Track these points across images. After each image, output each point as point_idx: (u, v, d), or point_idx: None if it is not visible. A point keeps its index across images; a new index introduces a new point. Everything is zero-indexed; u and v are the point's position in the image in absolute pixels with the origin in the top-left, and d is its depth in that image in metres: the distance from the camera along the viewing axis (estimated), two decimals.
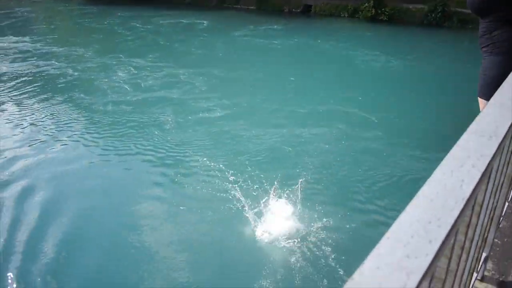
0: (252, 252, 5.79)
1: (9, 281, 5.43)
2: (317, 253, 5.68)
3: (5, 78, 15.27)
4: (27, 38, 21.90)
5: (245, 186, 7.08)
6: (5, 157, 8.66)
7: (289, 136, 9.57)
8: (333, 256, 5.56)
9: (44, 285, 5.33)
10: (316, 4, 27.02)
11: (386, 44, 19.92)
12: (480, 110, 2.29)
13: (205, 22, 25.13)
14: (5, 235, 6.20)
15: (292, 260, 5.58)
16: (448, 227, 0.65)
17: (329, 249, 5.70)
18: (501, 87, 1.29)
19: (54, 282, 5.38)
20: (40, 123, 10.68)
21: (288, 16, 26.85)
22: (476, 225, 0.94)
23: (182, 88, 13.42)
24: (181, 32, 23.20)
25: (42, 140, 9.60)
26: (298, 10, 27.60)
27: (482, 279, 1.68)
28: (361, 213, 6.64)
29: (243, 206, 6.53)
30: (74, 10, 31.42)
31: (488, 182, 0.92)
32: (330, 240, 5.85)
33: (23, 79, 15.03)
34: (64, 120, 10.83)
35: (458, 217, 0.69)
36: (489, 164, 0.85)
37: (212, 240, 6.01)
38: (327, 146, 9.06)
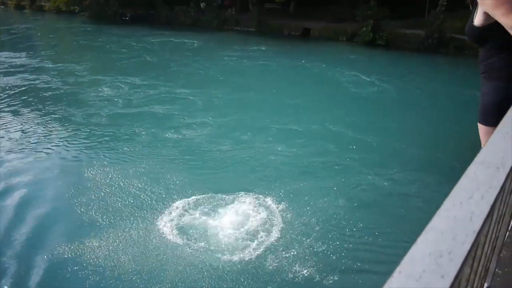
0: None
1: None
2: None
3: None
4: (23, 54, 22.17)
5: (194, 200, 7.44)
6: None
7: (264, 152, 9.73)
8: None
9: None
10: (314, 27, 27.17)
11: (382, 69, 19.91)
12: (480, 136, 2.42)
13: (196, 42, 25.46)
14: None
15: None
16: (460, 261, 0.65)
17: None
18: (506, 115, 1.29)
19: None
20: (20, 133, 11.08)
21: (287, 39, 26.97)
22: (481, 256, 0.94)
23: (166, 105, 13.56)
24: (174, 51, 23.41)
25: (18, 149, 10.03)
26: (297, 33, 27.74)
27: None
28: (305, 232, 6.67)
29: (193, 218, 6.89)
30: (73, 27, 31.85)
31: (493, 213, 0.92)
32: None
33: (13, 91, 15.38)
34: (43, 131, 11.22)
35: (469, 250, 0.69)
36: (497, 196, 0.86)
37: (159, 246, 6.29)
38: (298, 161, 9.24)
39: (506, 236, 2.04)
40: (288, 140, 10.59)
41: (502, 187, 0.87)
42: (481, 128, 2.38)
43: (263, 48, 23.66)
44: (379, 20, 24.04)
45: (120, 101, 13.68)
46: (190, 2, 32.85)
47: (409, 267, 0.62)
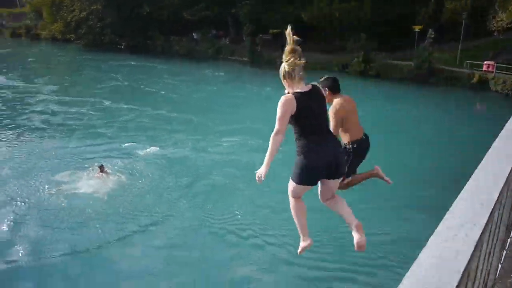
0: None
1: None
2: None
3: None
4: (3, 75, 23.73)
5: None
6: None
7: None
8: None
9: None
10: (307, 58, 27.54)
11: (372, 98, 20.11)
12: (288, 189, 3.19)
13: (188, 71, 25.94)
14: None
15: None
16: None
17: None
18: (487, 154, 1.27)
19: None
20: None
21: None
22: None
23: (113, 124, 15.04)
24: (164, 78, 23.89)
25: None
26: None
27: None
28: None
29: None
30: (67, 55, 32.22)
31: (480, 250, 0.90)
32: None
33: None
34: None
35: None
36: (482, 232, 0.86)
37: None
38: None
39: (499, 269, 2.03)
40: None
41: (487, 223, 0.87)
42: (291, 183, 3.18)
43: (257, 79, 24.03)
44: (368, 51, 24.66)
45: (89, 117, 15.51)
46: (184, 32, 33.45)
47: None
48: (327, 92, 3.85)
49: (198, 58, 30.34)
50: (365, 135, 3.95)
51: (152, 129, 14.25)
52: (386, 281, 6.85)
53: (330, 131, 3.25)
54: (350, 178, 3.93)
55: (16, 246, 7.46)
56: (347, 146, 3.87)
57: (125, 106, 16.97)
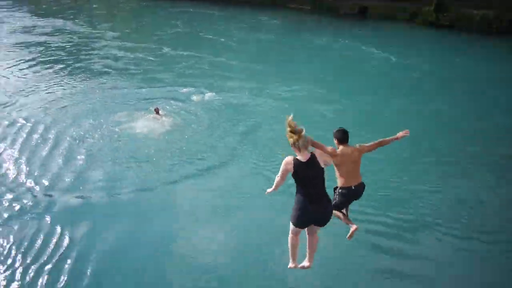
0: None
1: None
2: None
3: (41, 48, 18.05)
4: (70, 21, 24.12)
5: None
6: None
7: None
8: None
9: None
10: (372, 5, 25.79)
11: (444, 52, 18.49)
12: (289, 231, 4.17)
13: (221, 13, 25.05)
14: None
15: None
16: None
17: None
18: None
19: None
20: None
21: (343, 18, 25.77)
22: None
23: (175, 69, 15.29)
24: (219, 26, 23.37)
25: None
26: (354, 12, 26.45)
27: None
28: None
29: None
30: (125, 2, 32.24)
31: None
32: None
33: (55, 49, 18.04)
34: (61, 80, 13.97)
35: None
36: None
37: None
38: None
39: None
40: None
41: None
42: (291, 225, 4.11)
43: (316, 28, 22.93)
44: None
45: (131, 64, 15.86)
46: None
47: None
48: (336, 141, 4.52)
49: (256, 5, 29.32)
50: (358, 185, 4.51)
51: (210, 75, 14.20)
52: (428, 238, 6.75)
53: (326, 193, 3.98)
54: (339, 214, 4.61)
55: (84, 180, 8.04)
56: (338, 188, 4.57)
57: (184, 53, 16.99)
